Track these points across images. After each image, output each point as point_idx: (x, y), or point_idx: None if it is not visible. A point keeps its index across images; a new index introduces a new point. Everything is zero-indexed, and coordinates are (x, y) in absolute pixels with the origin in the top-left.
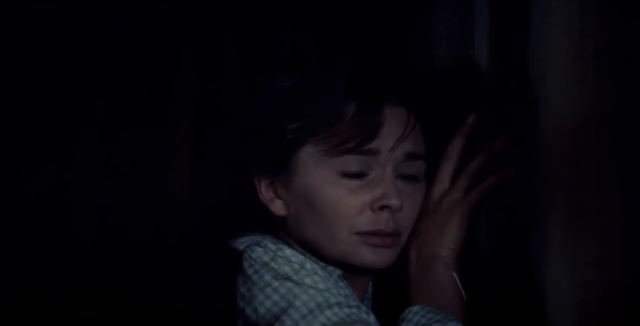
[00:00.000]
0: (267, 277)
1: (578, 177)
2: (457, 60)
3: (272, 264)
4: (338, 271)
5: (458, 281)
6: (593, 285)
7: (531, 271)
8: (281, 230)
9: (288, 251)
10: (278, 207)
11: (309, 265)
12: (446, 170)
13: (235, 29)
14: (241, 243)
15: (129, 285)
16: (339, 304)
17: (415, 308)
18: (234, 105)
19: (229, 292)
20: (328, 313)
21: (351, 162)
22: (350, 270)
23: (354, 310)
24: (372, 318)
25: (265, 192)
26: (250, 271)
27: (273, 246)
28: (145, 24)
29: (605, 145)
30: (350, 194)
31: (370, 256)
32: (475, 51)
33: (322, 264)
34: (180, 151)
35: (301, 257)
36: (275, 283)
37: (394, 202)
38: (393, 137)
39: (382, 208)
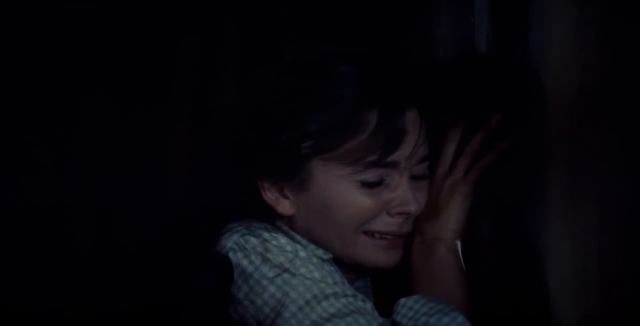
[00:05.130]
0: (263, 269)
1: (578, 144)
2: (460, 55)
3: (268, 255)
4: (329, 255)
5: (462, 262)
6: (593, 253)
7: (531, 239)
8: (280, 220)
9: (283, 240)
10: (285, 207)
11: (303, 253)
12: (447, 153)
13: (234, 29)
14: (233, 232)
15: (128, 286)
16: (335, 294)
17: (415, 297)
18: (239, 114)
19: (222, 288)
20: (325, 304)
21: (371, 173)
22: (355, 268)
23: (350, 299)
24: (369, 305)
25: (269, 192)
26: (245, 262)
27: (267, 235)
28: (142, 21)
29: (605, 112)
30: (369, 199)
31: (380, 257)
32: (475, 19)
33: (313, 246)
34: (178, 151)
35: (296, 245)
36: (271, 275)
37: (412, 208)
38: (410, 145)
39: (400, 214)
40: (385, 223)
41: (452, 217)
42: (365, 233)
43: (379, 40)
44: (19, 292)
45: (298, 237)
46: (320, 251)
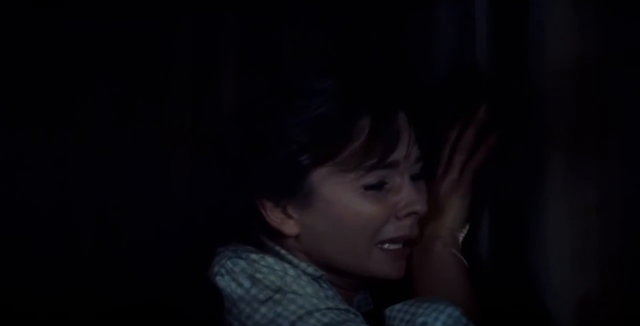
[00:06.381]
0: (254, 291)
1: (577, 123)
2: (456, 64)
3: (257, 275)
4: (320, 273)
5: (461, 258)
6: (592, 232)
7: (531, 218)
8: (272, 241)
9: (271, 260)
10: (290, 227)
11: (291, 271)
12: (445, 153)
13: (232, 35)
14: (221, 257)
15: (127, 286)
16: (328, 308)
17: (410, 301)
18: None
19: (212, 313)
20: (317, 315)
21: (372, 176)
22: (357, 283)
23: (343, 311)
24: (360, 319)
25: (272, 214)
26: (233, 285)
27: (255, 256)
28: (141, 24)
29: (605, 92)
30: (376, 205)
31: (391, 269)
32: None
33: (304, 265)
34: (178, 155)
35: (284, 264)
36: (262, 297)
37: (418, 207)
38: (404, 144)
39: (409, 214)
40: (396, 228)
41: (450, 217)
42: (377, 244)
43: (378, 27)
44: (17, 292)
45: (289, 257)
46: (311, 269)
